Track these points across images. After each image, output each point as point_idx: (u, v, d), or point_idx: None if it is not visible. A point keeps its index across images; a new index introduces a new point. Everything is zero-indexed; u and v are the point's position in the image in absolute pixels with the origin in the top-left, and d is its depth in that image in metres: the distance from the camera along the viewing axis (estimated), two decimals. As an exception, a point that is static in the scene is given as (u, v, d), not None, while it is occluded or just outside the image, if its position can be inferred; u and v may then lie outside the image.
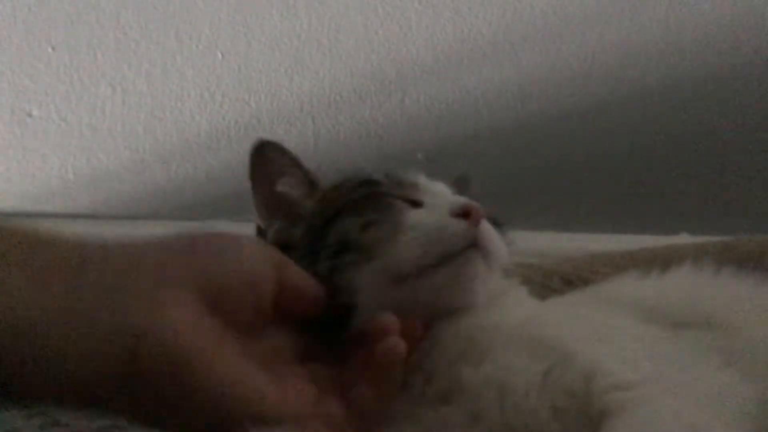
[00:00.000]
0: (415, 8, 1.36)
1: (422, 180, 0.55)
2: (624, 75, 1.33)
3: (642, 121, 1.33)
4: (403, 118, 1.37)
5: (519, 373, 0.45)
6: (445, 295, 0.48)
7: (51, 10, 1.41)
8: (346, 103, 1.38)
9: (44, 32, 1.41)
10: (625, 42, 1.32)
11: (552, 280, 0.74)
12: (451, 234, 0.47)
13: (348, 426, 0.43)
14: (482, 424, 0.44)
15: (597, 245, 1.10)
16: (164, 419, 0.40)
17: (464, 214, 0.48)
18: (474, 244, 0.47)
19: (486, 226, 0.49)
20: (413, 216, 0.50)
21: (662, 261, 0.62)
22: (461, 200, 0.50)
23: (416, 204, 0.51)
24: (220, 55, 1.40)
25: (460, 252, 0.47)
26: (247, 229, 0.57)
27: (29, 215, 1.35)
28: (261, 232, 0.56)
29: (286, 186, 0.57)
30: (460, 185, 0.67)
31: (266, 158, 0.57)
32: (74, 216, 1.41)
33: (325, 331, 0.49)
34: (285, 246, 0.51)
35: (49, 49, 1.42)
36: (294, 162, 0.58)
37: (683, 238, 1.16)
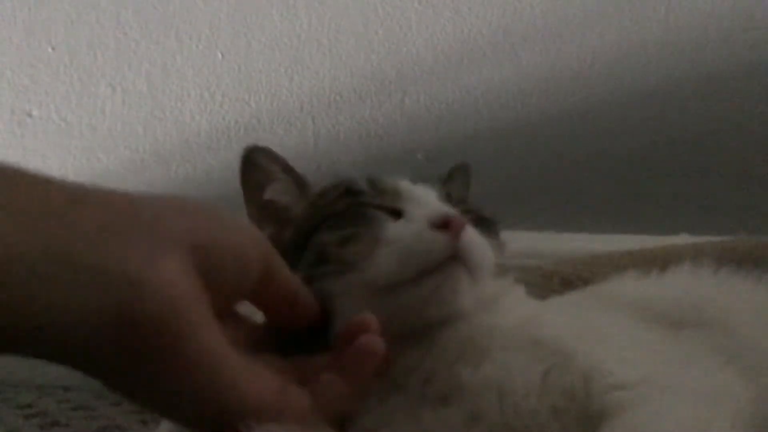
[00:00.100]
0: (415, 8, 1.36)
1: (405, 186, 0.54)
2: (624, 75, 1.33)
3: (642, 121, 1.33)
4: (403, 118, 1.37)
5: (518, 374, 0.45)
6: (426, 308, 0.47)
7: (51, 10, 1.41)
8: (346, 103, 1.38)
9: (44, 32, 1.41)
10: (625, 42, 1.32)
11: (552, 281, 0.74)
12: (428, 248, 0.46)
13: (315, 416, 0.42)
14: (482, 424, 0.44)
15: (597, 245, 1.10)
16: (140, 386, 0.38)
17: (444, 225, 0.47)
18: (454, 256, 0.46)
19: (468, 236, 0.47)
20: (392, 229, 0.49)
21: (662, 261, 0.62)
22: (441, 211, 0.48)
23: (397, 213, 0.51)
24: (220, 55, 1.40)
25: (440, 265, 0.46)
26: (246, 229, 0.57)
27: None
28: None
29: (274, 193, 0.57)
30: (458, 175, 0.67)
31: (255, 165, 0.57)
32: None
33: (298, 336, 0.48)
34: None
35: (49, 49, 1.42)
36: (284, 167, 0.58)
37: (683, 238, 1.15)
